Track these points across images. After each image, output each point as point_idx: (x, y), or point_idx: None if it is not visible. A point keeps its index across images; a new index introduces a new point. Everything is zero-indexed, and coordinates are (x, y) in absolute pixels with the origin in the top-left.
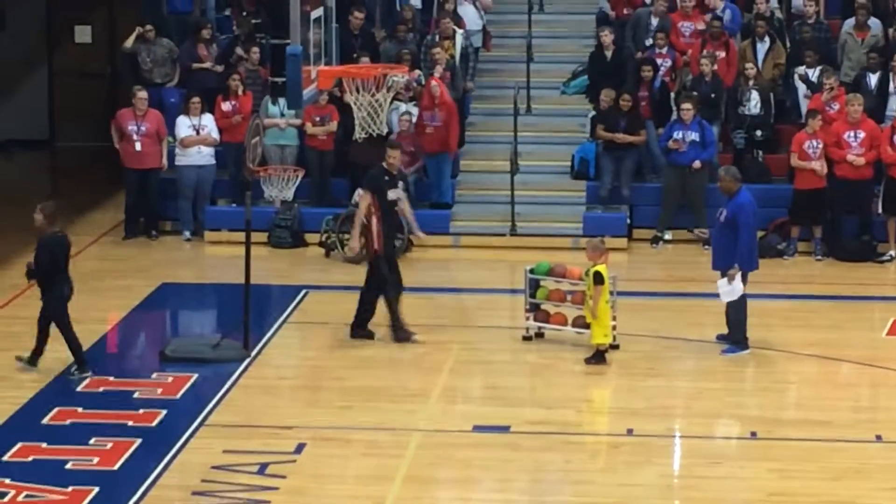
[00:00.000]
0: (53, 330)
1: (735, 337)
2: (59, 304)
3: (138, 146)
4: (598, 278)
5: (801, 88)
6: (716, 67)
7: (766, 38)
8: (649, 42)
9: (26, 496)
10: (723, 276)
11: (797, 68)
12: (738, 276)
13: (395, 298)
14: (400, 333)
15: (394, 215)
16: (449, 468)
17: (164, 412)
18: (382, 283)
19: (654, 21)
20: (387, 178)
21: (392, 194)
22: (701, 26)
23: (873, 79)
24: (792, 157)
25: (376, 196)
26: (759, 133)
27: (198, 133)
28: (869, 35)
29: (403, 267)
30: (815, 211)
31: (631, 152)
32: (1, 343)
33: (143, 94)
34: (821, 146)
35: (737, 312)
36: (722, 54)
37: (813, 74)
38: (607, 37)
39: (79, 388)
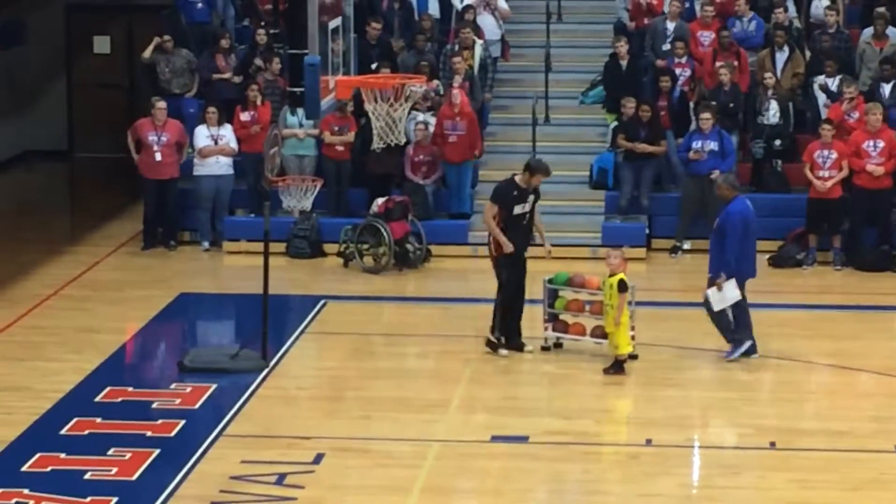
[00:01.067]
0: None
1: (732, 337)
2: None
3: (158, 157)
4: (623, 286)
5: (822, 98)
6: (731, 76)
7: (786, 48)
8: (667, 48)
9: None
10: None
11: (817, 77)
12: (730, 284)
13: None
14: (492, 343)
15: (521, 228)
16: (467, 478)
17: (183, 422)
18: (502, 287)
19: (671, 26)
20: (515, 192)
21: (518, 209)
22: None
23: (887, 89)
24: (805, 167)
25: (502, 209)
26: (777, 142)
27: (216, 143)
28: (888, 44)
29: (422, 277)
30: (831, 220)
31: (650, 162)
32: (22, 353)
33: (161, 104)
34: (833, 156)
35: (718, 319)
36: (735, 64)
37: (833, 84)
38: (622, 47)
39: (97, 399)
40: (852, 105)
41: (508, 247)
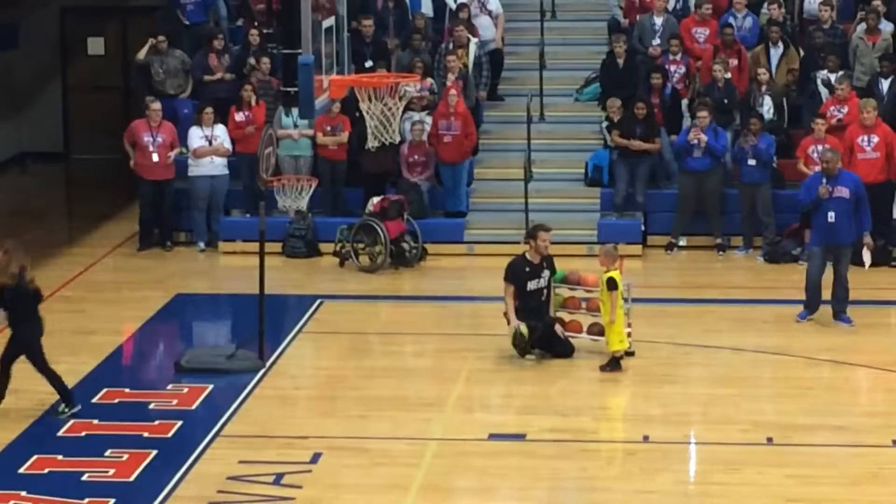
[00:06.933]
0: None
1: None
2: None
3: (155, 157)
4: (612, 284)
5: (824, 93)
6: (728, 74)
7: (780, 44)
8: (656, 42)
9: None
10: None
11: (819, 73)
12: None
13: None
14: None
15: (534, 302)
16: (465, 477)
17: (180, 423)
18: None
19: (658, 21)
20: (527, 269)
21: (532, 285)
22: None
23: (885, 84)
24: (798, 162)
25: (516, 287)
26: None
27: (210, 144)
28: (880, 39)
29: (418, 276)
30: None
31: (645, 159)
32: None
33: (156, 105)
34: None
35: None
36: (734, 62)
37: (834, 79)
38: (621, 46)
39: (94, 400)
40: (844, 100)
41: (512, 323)
